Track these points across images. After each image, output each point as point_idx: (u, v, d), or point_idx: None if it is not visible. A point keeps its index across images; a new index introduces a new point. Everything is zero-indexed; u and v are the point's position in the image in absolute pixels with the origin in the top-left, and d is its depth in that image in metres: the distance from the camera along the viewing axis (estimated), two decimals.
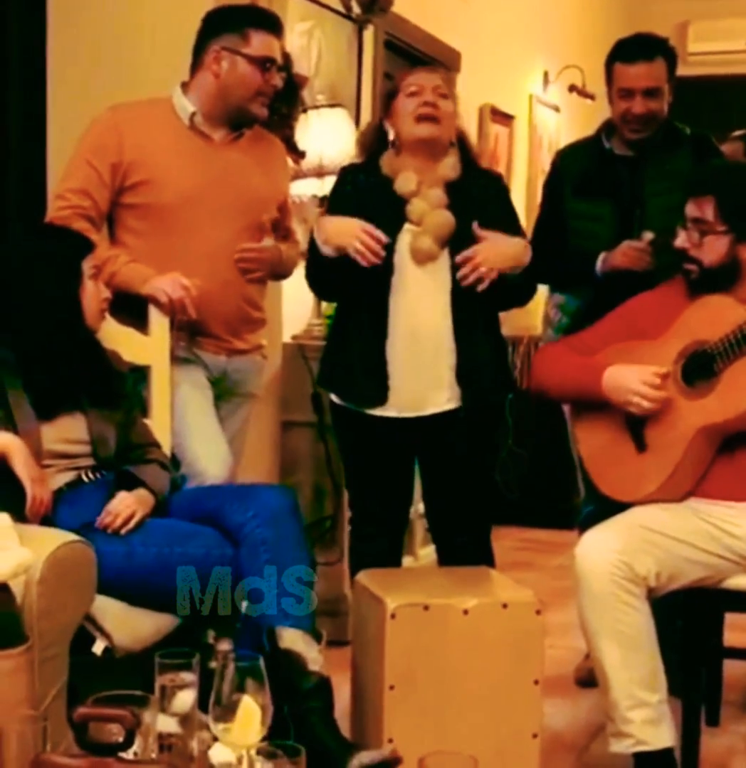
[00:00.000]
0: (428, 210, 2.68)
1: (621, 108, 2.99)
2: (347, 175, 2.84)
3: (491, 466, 2.91)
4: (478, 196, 2.74)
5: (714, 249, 2.46)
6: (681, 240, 2.51)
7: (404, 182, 2.71)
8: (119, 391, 2.49)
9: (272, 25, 2.79)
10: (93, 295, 2.44)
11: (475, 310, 2.70)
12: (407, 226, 2.70)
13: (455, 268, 2.65)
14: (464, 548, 2.80)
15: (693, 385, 2.47)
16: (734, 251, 2.46)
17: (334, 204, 2.80)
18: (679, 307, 2.52)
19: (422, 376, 2.70)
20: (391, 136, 2.75)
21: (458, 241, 2.66)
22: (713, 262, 2.47)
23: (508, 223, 2.77)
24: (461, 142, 2.80)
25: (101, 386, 2.43)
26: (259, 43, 2.73)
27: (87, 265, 2.43)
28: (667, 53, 3.01)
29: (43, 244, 2.46)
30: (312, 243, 2.72)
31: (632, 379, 2.46)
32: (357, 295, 2.72)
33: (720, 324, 2.42)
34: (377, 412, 2.73)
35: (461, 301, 2.68)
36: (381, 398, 2.71)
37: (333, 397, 2.85)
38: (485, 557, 2.80)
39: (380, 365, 2.69)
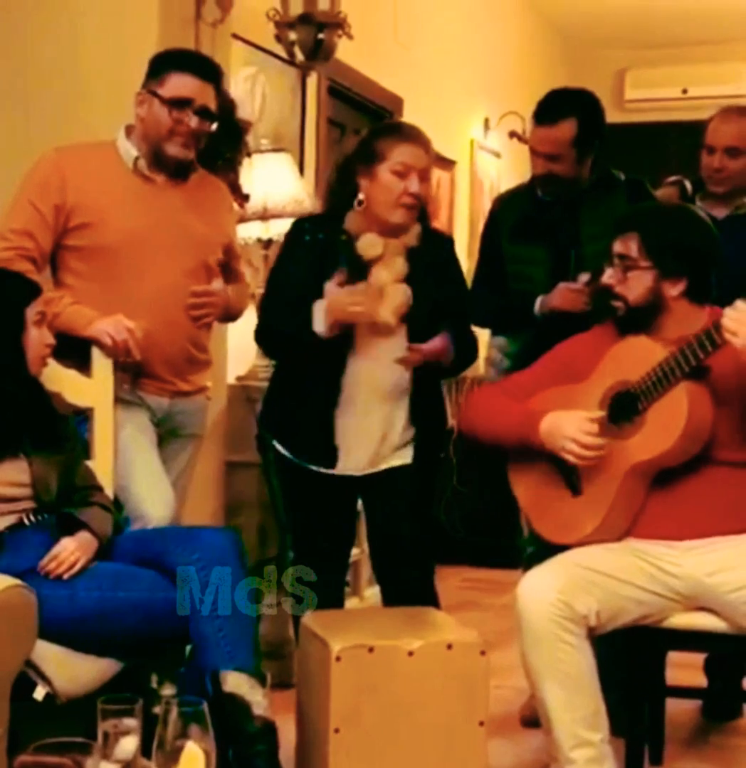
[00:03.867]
0: (390, 281, 2.68)
1: (531, 164, 3.12)
2: (304, 226, 2.80)
3: (431, 507, 2.93)
4: (433, 262, 2.76)
5: (638, 285, 2.50)
6: (606, 276, 2.55)
7: (370, 246, 2.69)
8: (62, 433, 2.46)
9: (195, 66, 2.74)
10: (36, 341, 2.40)
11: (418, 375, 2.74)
12: None
13: (410, 339, 2.69)
14: (408, 588, 2.80)
15: (619, 426, 2.50)
16: (658, 287, 2.49)
17: (290, 254, 2.77)
18: (608, 349, 2.55)
19: (371, 441, 2.73)
20: (360, 196, 2.70)
21: (413, 309, 2.69)
22: (637, 298, 2.50)
23: (457, 290, 2.83)
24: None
25: (44, 429, 2.41)
26: (173, 83, 2.69)
27: (31, 312, 2.40)
28: (582, 111, 3.02)
29: None
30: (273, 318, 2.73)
31: (569, 426, 2.47)
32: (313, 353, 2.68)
33: (640, 364, 2.45)
34: (322, 470, 2.75)
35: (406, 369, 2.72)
36: (329, 461, 2.74)
37: (276, 444, 2.83)
38: (429, 597, 2.80)
39: (329, 428, 2.71)
